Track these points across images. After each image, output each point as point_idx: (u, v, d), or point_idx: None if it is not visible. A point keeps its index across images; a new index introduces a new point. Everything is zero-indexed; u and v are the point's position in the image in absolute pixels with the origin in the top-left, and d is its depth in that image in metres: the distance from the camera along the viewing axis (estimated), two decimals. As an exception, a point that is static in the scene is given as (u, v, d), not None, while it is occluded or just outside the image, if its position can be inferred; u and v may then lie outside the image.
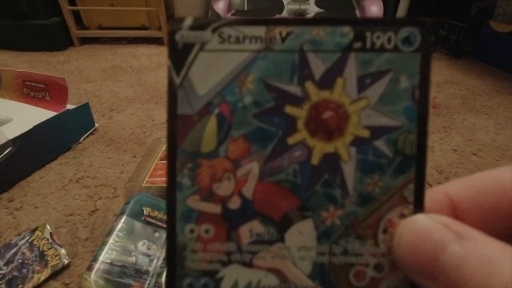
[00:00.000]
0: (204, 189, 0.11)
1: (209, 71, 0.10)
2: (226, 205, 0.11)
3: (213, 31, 0.10)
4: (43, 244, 0.43)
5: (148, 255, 0.39)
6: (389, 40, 0.10)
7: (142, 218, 0.42)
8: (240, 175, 0.11)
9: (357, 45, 0.10)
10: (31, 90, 0.69)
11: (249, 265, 0.11)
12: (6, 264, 0.40)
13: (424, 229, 0.09)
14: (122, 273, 0.36)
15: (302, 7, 1.50)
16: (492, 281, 0.07)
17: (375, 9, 1.30)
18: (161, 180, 0.49)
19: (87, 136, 0.69)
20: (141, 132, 0.72)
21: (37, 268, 0.40)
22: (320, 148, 0.10)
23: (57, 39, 1.25)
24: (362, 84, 0.10)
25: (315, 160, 0.10)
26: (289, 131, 0.10)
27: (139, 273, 0.37)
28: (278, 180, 0.11)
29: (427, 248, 0.08)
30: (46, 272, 0.40)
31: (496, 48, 1.19)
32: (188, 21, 0.10)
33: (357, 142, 0.10)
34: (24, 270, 0.40)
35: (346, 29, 0.10)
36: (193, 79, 0.11)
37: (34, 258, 0.41)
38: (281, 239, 0.11)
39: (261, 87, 0.10)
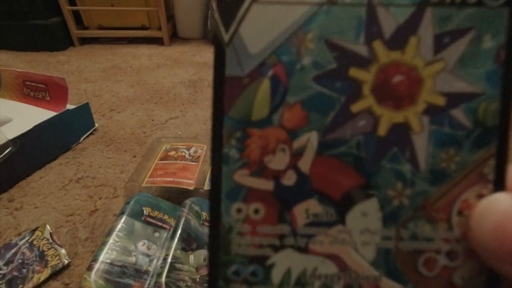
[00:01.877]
0: (254, 163, 0.09)
1: (263, 27, 0.09)
2: (279, 181, 0.09)
3: None
4: (43, 244, 0.43)
5: (148, 255, 0.39)
6: None
7: (142, 218, 0.42)
8: (296, 147, 0.09)
9: None
10: (31, 90, 0.69)
11: (304, 250, 0.09)
12: (6, 264, 0.40)
13: (510, 209, 0.08)
14: (122, 273, 0.36)
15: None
16: None
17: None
18: (161, 180, 0.49)
19: (87, 136, 0.69)
20: (141, 132, 0.72)
21: (37, 268, 0.40)
22: (388, 117, 0.09)
23: (57, 39, 1.25)
24: (439, 44, 0.09)
25: (382, 131, 0.09)
26: (353, 98, 0.09)
27: (139, 273, 0.37)
28: (339, 154, 0.09)
29: None
30: (46, 272, 0.40)
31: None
32: None
33: (431, 111, 0.09)
34: (24, 270, 0.40)
35: None
36: (244, 36, 0.09)
37: (34, 258, 0.41)
38: (342, 221, 0.09)
39: (322, 47, 0.09)
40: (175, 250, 0.37)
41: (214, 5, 0.09)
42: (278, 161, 0.09)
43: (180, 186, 0.48)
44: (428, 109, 0.09)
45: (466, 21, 0.09)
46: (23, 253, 0.41)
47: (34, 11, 1.18)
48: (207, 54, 1.28)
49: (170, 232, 0.42)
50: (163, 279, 0.34)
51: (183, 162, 0.53)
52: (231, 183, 0.09)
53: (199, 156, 0.55)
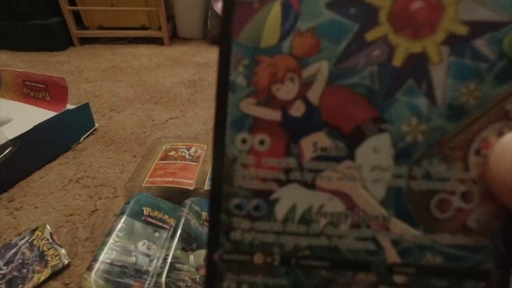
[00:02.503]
0: (262, 91, 0.09)
1: None
2: (288, 111, 0.09)
3: None
4: (43, 244, 0.43)
5: (148, 255, 0.39)
6: None
7: (142, 218, 0.42)
8: (306, 76, 0.09)
9: None
10: (31, 90, 0.69)
11: (310, 186, 0.09)
12: (6, 264, 0.40)
13: None
14: (122, 273, 0.36)
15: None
16: None
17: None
18: (161, 180, 0.49)
19: (87, 136, 0.69)
20: (141, 132, 0.72)
21: (37, 268, 0.40)
22: (405, 46, 0.08)
23: (57, 39, 1.25)
24: None
25: (398, 61, 0.09)
26: (368, 25, 0.09)
27: (139, 273, 0.37)
28: (352, 84, 0.09)
29: None
30: (46, 272, 0.40)
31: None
32: None
33: (452, 40, 0.08)
34: (24, 270, 0.40)
35: None
36: None
37: (34, 258, 0.41)
38: (351, 157, 0.09)
39: None
40: (175, 250, 0.37)
41: None
42: (286, 90, 0.09)
43: (180, 186, 0.48)
44: (448, 39, 0.08)
45: None
46: (23, 253, 0.41)
47: (34, 11, 1.18)
48: (207, 54, 1.28)
49: (170, 232, 0.42)
50: (163, 279, 0.34)
51: (183, 162, 0.53)
52: (237, 111, 0.09)
53: (199, 156, 0.55)
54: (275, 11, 0.09)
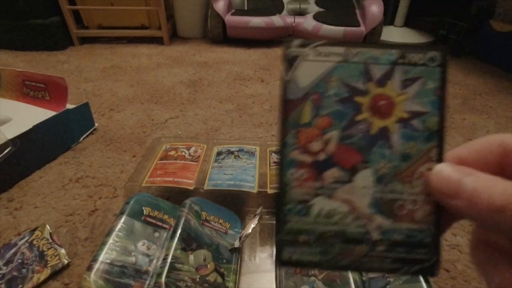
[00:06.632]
0: (301, 147, 0.16)
1: (308, 73, 0.16)
2: (316, 158, 0.16)
3: (312, 48, 0.16)
4: (43, 244, 0.43)
5: (148, 255, 0.39)
6: (420, 58, 0.16)
7: (142, 218, 0.42)
8: (325, 139, 0.16)
9: (400, 61, 0.16)
10: (31, 90, 0.69)
11: (330, 197, 0.16)
12: (6, 264, 0.40)
13: (450, 169, 0.15)
14: (122, 273, 0.36)
15: (302, 6, 1.50)
16: (495, 189, 0.13)
17: (375, 9, 1.30)
18: (161, 180, 0.49)
19: (87, 136, 0.69)
20: (141, 132, 0.72)
21: (37, 268, 0.40)
22: (376, 123, 0.16)
23: (57, 39, 1.25)
24: (404, 85, 0.16)
25: (373, 131, 0.16)
26: (357, 112, 0.16)
27: (139, 273, 0.37)
28: (349, 143, 0.16)
29: (453, 180, 0.14)
30: (46, 272, 0.40)
31: (496, 48, 1.19)
32: (296, 42, 0.16)
33: (401, 120, 0.16)
34: (24, 270, 0.40)
35: (394, 51, 0.16)
36: (297, 77, 0.16)
37: (34, 258, 0.41)
38: (351, 181, 0.16)
39: (340, 84, 0.16)
40: (175, 250, 0.37)
41: (282, 60, 0.16)
42: (315, 146, 0.16)
43: (180, 186, 0.48)
44: (399, 120, 0.16)
45: (418, 73, 0.16)
46: (23, 253, 0.41)
47: (34, 11, 1.18)
48: (207, 53, 1.28)
49: (170, 232, 0.42)
50: (163, 279, 0.34)
51: (182, 161, 0.53)
52: (289, 158, 0.16)
53: (199, 156, 0.55)
54: (308, 105, 0.16)
